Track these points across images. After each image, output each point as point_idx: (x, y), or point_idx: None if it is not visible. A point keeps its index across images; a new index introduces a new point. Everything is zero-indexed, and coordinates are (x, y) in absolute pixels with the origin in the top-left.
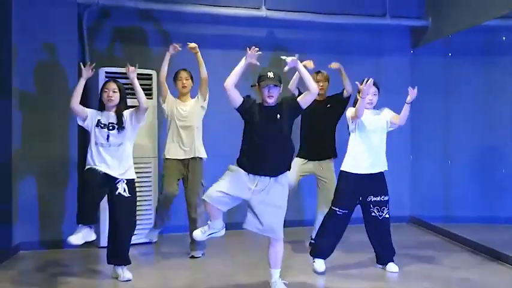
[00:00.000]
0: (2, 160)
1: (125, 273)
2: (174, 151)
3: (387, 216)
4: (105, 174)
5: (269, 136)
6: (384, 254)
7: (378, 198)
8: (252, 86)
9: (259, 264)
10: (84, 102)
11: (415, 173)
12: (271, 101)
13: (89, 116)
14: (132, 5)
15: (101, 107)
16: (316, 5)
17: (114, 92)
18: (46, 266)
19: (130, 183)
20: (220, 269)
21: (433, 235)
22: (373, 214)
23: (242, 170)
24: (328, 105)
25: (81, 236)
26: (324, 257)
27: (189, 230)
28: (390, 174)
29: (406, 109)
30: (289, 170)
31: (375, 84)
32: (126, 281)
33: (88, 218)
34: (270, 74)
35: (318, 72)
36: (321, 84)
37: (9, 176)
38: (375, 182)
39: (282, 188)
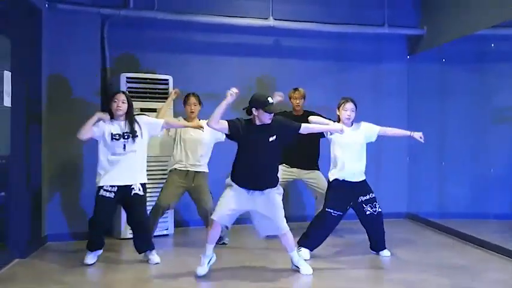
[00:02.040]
0: (33, 160)
1: (154, 257)
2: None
3: (380, 210)
4: (118, 190)
5: (264, 154)
6: (379, 243)
7: (367, 197)
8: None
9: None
10: (106, 105)
11: (411, 173)
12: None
13: (101, 132)
14: (151, 16)
15: (110, 116)
16: (319, 15)
17: (123, 102)
18: (72, 255)
19: (143, 185)
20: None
21: (428, 229)
22: (368, 212)
23: (240, 187)
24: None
25: (93, 256)
26: (311, 248)
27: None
28: (389, 173)
29: (402, 134)
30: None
31: (352, 101)
32: (156, 263)
33: (99, 246)
34: (271, 100)
35: (296, 89)
36: (298, 102)
37: (39, 174)
38: (360, 186)
39: (277, 189)
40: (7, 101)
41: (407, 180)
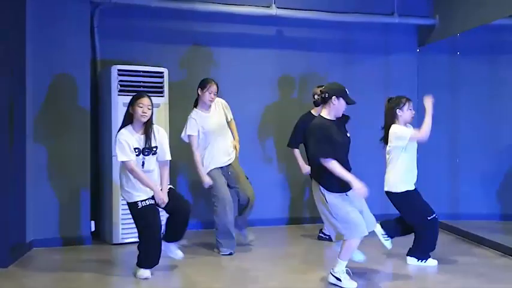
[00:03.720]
0: (18, 158)
1: (178, 252)
2: None
3: None
4: (152, 197)
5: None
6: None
7: None
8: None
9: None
10: (95, 99)
11: (421, 170)
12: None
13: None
14: (144, 3)
15: (129, 121)
16: (324, 4)
17: (149, 108)
18: (60, 262)
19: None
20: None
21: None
22: None
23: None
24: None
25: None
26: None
27: None
28: None
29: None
30: None
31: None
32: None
33: (156, 262)
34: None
35: (320, 86)
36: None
37: (23, 174)
38: None
39: None
40: None
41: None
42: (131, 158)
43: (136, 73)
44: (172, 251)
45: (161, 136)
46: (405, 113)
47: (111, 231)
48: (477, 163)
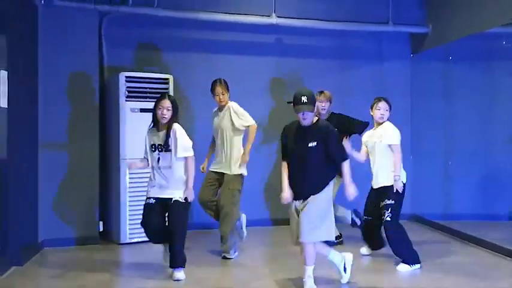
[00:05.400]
0: (30, 160)
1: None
2: None
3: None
4: (158, 198)
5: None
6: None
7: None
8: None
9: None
10: (102, 105)
11: (415, 173)
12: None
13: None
14: (151, 13)
15: (156, 123)
16: (322, 13)
17: (168, 110)
18: (70, 262)
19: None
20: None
21: (433, 231)
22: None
23: None
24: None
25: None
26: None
27: None
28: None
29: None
30: None
31: (386, 100)
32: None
33: (157, 240)
34: (304, 99)
35: (321, 92)
36: (323, 105)
37: (35, 176)
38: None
39: None
40: (3, 102)
41: (411, 181)
42: (143, 155)
43: (143, 80)
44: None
45: (176, 134)
46: (373, 111)
47: (119, 231)
48: (470, 166)
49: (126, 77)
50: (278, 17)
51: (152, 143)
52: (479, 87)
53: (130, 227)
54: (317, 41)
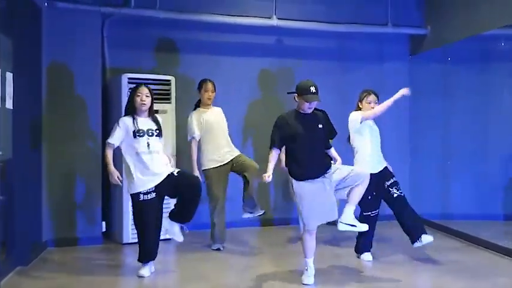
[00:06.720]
0: (35, 161)
1: (180, 235)
2: None
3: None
4: (155, 190)
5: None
6: (415, 229)
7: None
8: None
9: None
10: (107, 108)
11: (413, 173)
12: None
13: (123, 134)
14: (153, 15)
15: (131, 112)
16: (322, 15)
17: (147, 96)
18: (74, 262)
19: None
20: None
21: (431, 231)
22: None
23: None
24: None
25: (148, 269)
26: (368, 250)
27: None
28: None
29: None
30: None
31: (375, 93)
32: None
33: (154, 255)
34: (313, 89)
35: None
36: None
37: (40, 177)
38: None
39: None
40: (9, 103)
41: (408, 180)
42: (115, 142)
43: (145, 81)
44: (176, 233)
45: (158, 120)
46: (364, 105)
47: (121, 231)
48: (468, 166)
49: (129, 78)
50: (279, 18)
51: (138, 128)
52: (477, 88)
53: (133, 227)
54: (317, 43)
